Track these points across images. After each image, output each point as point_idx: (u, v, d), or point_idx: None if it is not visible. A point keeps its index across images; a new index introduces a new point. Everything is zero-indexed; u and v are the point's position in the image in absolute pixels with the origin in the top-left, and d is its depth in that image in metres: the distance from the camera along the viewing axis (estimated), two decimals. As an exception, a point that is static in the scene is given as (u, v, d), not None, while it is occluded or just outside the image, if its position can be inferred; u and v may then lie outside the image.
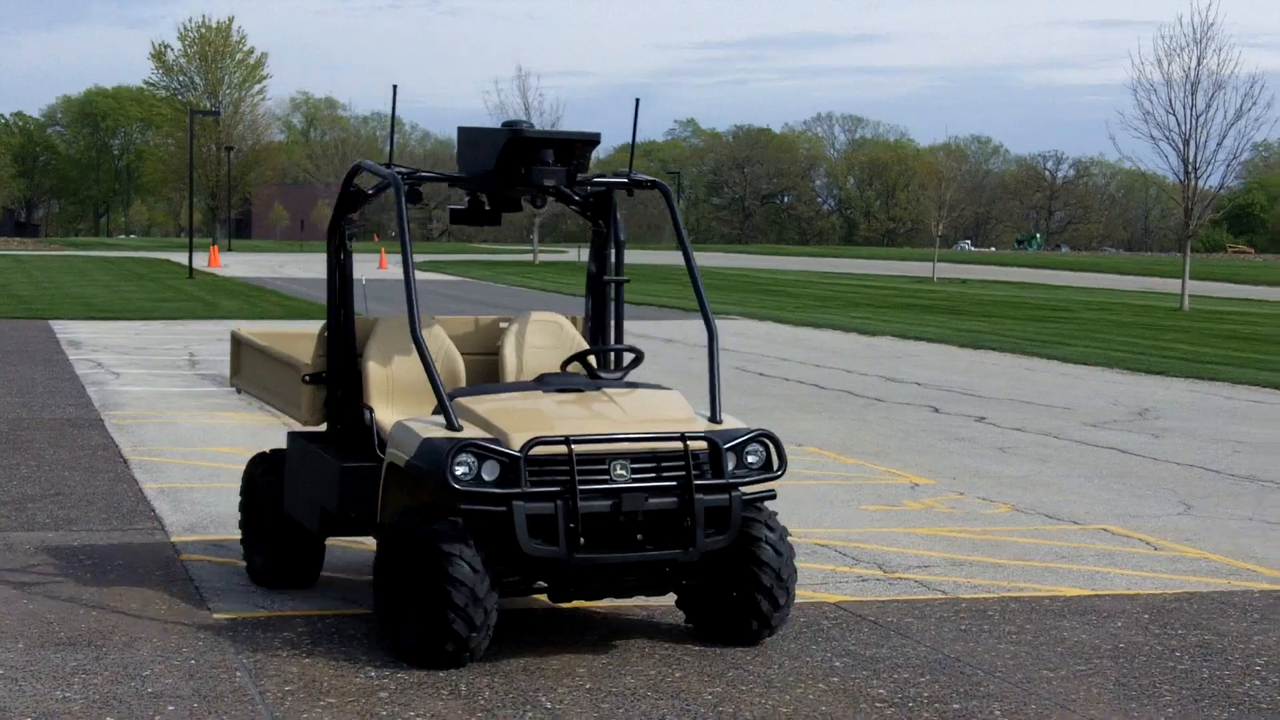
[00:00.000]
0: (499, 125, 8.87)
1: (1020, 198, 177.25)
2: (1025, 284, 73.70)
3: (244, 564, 10.14)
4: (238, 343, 10.93)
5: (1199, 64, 50.61)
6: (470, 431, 8.10)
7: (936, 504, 13.33)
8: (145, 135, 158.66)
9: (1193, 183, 51.54)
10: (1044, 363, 28.77)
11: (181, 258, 73.47)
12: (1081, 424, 19.01)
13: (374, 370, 9.22)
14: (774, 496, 8.75)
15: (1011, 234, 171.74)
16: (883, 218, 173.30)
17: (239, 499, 10.31)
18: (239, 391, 11.09)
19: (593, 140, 8.85)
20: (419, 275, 69.94)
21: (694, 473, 8.17)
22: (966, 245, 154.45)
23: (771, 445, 8.50)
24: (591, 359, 9.03)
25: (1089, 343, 33.64)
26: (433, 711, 7.39)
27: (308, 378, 9.41)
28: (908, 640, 8.87)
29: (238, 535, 10.53)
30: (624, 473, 8.09)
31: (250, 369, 10.69)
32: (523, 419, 8.20)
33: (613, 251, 9.70)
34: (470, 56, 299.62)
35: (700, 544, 8.17)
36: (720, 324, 38.26)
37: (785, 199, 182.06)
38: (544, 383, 8.77)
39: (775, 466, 8.49)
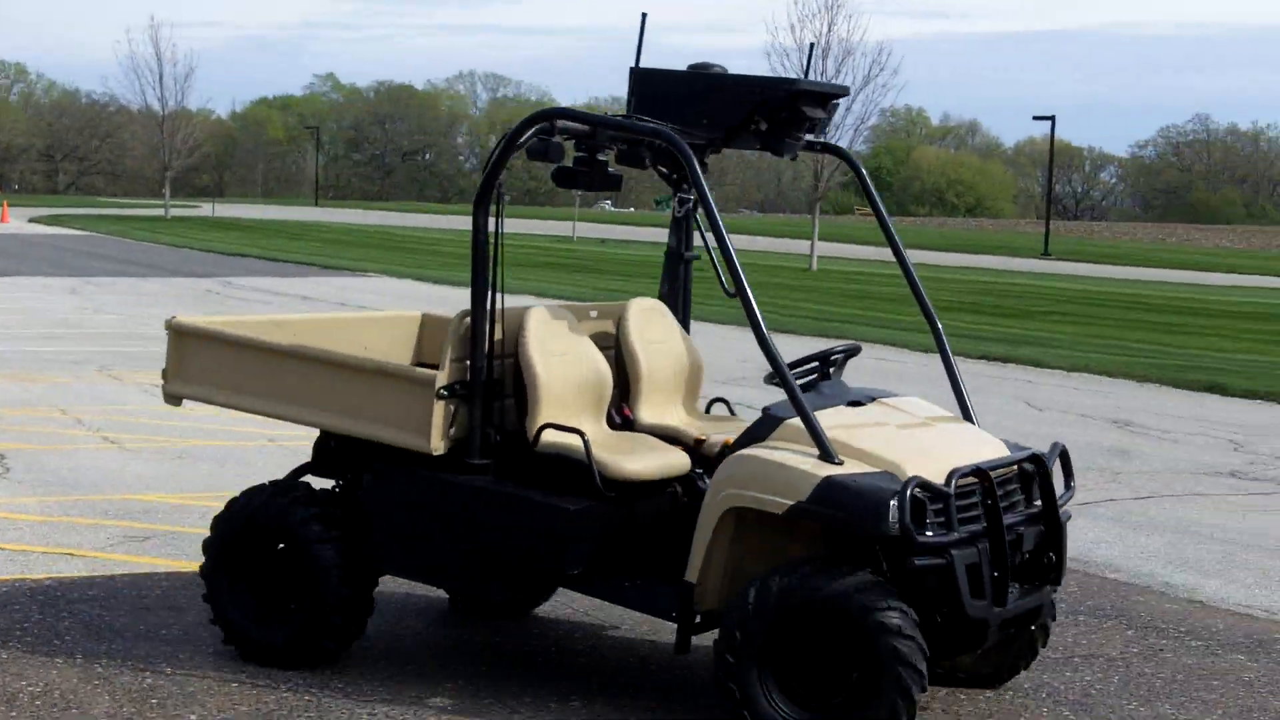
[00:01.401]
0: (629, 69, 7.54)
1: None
2: (658, 244, 74.83)
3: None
4: (198, 335, 8.03)
5: (830, 30, 52.31)
6: (854, 466, 6.63)
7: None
8: None
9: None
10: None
11: None
12: (714, 381, 19.42)
13: (542, 377, 7.43)
14: None
15: (650, 196, 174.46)
16: (524, 177, 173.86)
17: (211, 550, 7.81)
18: (179, 401, 8.19)
19: (843, 93, 7.89)
20: (39, 230, 66.74)
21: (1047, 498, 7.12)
22: (607, 205, 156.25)
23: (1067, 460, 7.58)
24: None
25: (719, 303, 34.39)
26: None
27: (445, 390, 7.26)
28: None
29: None
30: (1019, 505, 7.06)
31: (234, 372, 7.88)
32: (900, 447, 6.83)
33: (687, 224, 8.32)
34: (105, 4, 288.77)
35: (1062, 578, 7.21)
36: (357, 281, 38.10)
37: (427, 156, 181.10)
38: (819, 393, 7.23)
39: (1070, 484, 7.60)
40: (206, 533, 7.89)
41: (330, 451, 7.92)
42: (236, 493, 7.92)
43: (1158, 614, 9.20)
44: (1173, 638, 8.70)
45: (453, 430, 7.27)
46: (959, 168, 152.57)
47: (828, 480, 6.49)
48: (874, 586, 6.41)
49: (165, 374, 8.08)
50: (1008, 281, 51.40)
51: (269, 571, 7.68)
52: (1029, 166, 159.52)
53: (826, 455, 6.61)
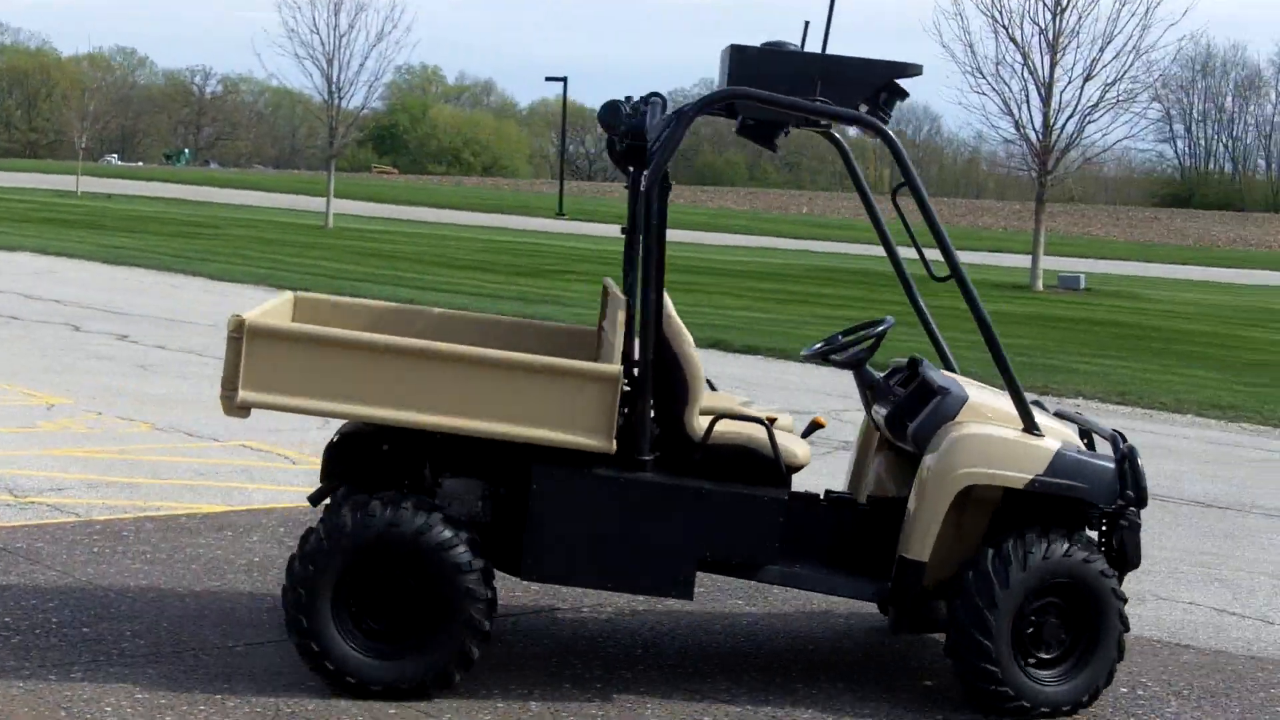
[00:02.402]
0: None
1: (169, 112, 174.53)
2: (174, 200, 72.79)
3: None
4: (288, 337, 6.88)
5: (343, -14, 51.69)
6: (1053, 437, 7.22)
7: (73, 424, 12.93)
8: None
9: (336, 103, 52.63)
10: (188, 280, 28.61)
11: None
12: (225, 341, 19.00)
13: (699, 366, 7.24)
14: None
15: (160, 149, 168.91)
16: (24, 128, 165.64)
17: (313, 575, 6.78)
18: (248, 412, 6.92)
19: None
20: None
21: None
22: (113, 159, 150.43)
23: None
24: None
25: (235, 260, 33.73)
26: None
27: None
28: (37, 566, 8.55)
29: None
30: None
31: (334, 375, 6.78)
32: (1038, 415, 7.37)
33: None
34: None
35: None
36: None
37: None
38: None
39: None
40: None
41: (381, 458, 7.20)
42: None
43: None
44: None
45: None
46: (475, 127, 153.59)
47: (1060, 453, 7.03)
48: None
49: (232, 381, 6.80)
50: (522, 241, 52.14)
51: (386, 597, 6.86)
52: (543, 127, 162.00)
53: (1032, 429, 7.10)
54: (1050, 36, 40.26)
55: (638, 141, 7.25)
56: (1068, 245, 68.27)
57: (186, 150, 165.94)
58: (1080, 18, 40.25)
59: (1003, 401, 7.31)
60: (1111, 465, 7.14)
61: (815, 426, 7.45)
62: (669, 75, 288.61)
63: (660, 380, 7.11)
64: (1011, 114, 40.87)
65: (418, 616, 6.81)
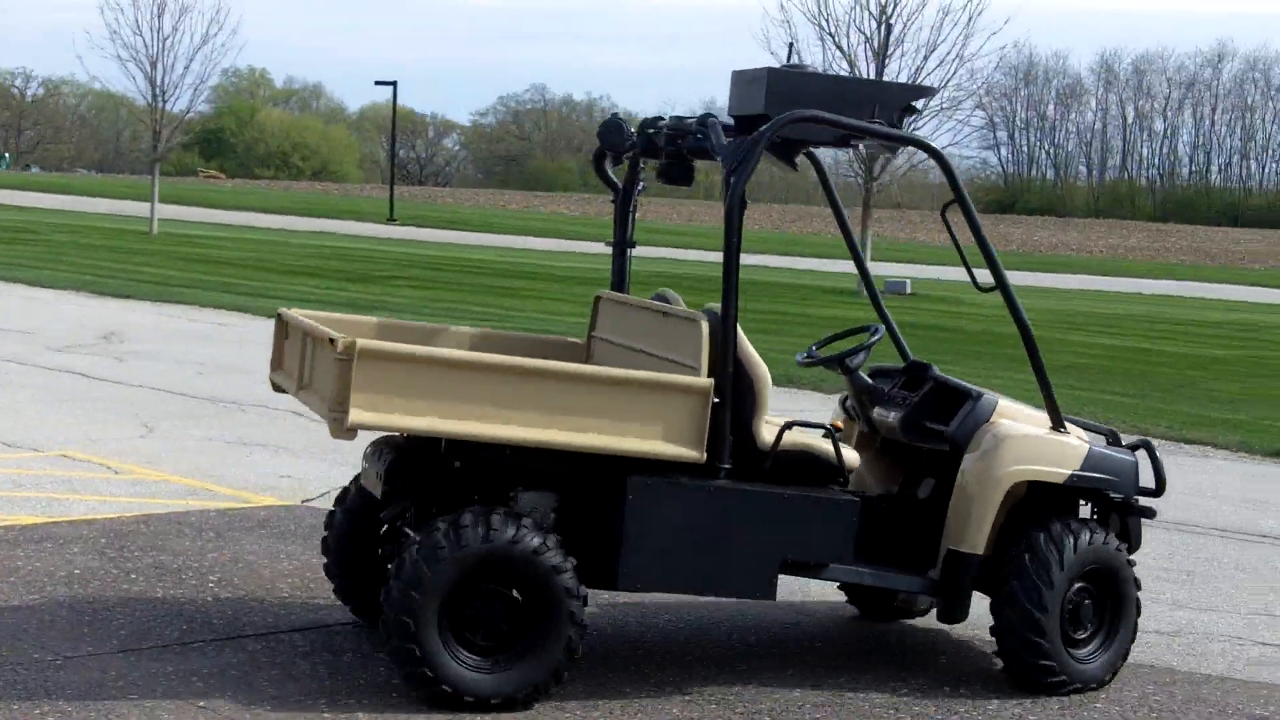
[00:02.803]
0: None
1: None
2: (-8, 204, 71.02)
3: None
4: (399, 358, 6.86)
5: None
6: (1076, 434, 8.11)
7: (-115, 436, 12.58)
8: None
9: (160, 106, 51.73)
10: (8, 286, 27.91)
11: None
12: (45, 348, 18.61)
13: (767, 376, 7.56)
14: None
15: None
16: None
17: (422, 594, 6.85)
18: (354, 432, 6.90)
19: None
20: None
21: None
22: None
23: None
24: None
25: (57, 266, 33.00)
26: None
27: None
28: None
29: None
30: None
31: (438, 394, 6.85)
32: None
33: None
34: None
35: None
36: None
37: None
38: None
39: None
40: None
41: (449, 473, 7.26)
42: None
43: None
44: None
45: None
46: (304, 131, 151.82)
47: (1091, 450, 7.85)
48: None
49: (342, 403, 6.77)
50: (353, 246, 51.67)
51: (485, 611, 6.99)
52: (373, 132, 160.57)
53: (1060, 428, 7.93)
54: (876, 45, 40.87)
55: (684, 161, 7.89)
56: (894, 250, 69.23)
57: (6, 154, 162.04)
58: (905, 26, 40.95)
59: (1021, 404, 8.18)
60: (1133, 459, 8.00)
61: (833, 430, 7.73)
62: (500, 80, 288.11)
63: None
64: (838, 121, 41.36)
65: (521, 624, 6.99)
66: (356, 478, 8.20)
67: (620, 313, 8.44)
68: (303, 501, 11.11)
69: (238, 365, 18.26)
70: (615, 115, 8.22)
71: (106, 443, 12.82)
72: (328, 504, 10.85)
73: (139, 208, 65.26)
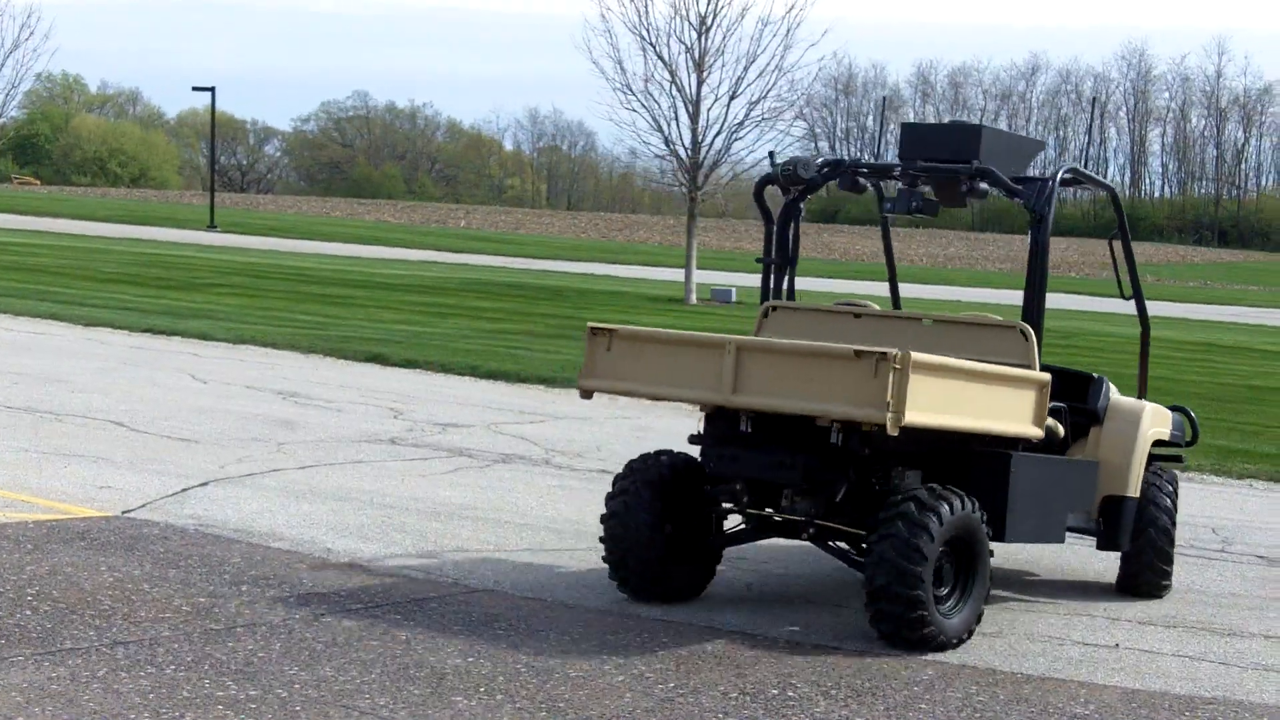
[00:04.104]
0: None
1: None
2: None
3: None
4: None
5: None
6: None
7: None
8: None
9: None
10: None
11: None
12: None
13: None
14: None
15: None
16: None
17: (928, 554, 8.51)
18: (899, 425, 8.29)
19: None
20: None
21: None
22: None
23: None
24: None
25: None
26: None
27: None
28: None
29: None
30: None
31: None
32: None
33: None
34: None
35: None
36: None
37: None
38: None
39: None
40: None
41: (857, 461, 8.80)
42: None
43: (319, 580, 9.38)
44: (334, 602, 8.89)
45: None
46: (121, 137, 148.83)
47: (1169, 413, 10.72)
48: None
49: (899, 406, 8.20)
50: (173, 254, 50.77)
51: (943, 567, 8.73)
52: (192, 138, 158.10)
53: (1144, 397, 10.71)
54: (696, 55, 41.13)
55: (944, 198, 9.99)
56: (720, 259, 69.81)
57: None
58: (725, 37, 41.24)
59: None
60: (1181, 417, 10.85)
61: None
62: (322, 86, 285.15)
63: None
64: (661, 130, 41.61)
65: (963, 575, 8.80)
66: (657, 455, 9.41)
67: (807, 319, 10.18)
68: (123, 512, 10.88)
69: (55, 375, 17.85)
70: (797, 156, 10.12)
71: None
72: (148, 515, 10.69)
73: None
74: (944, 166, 9.65)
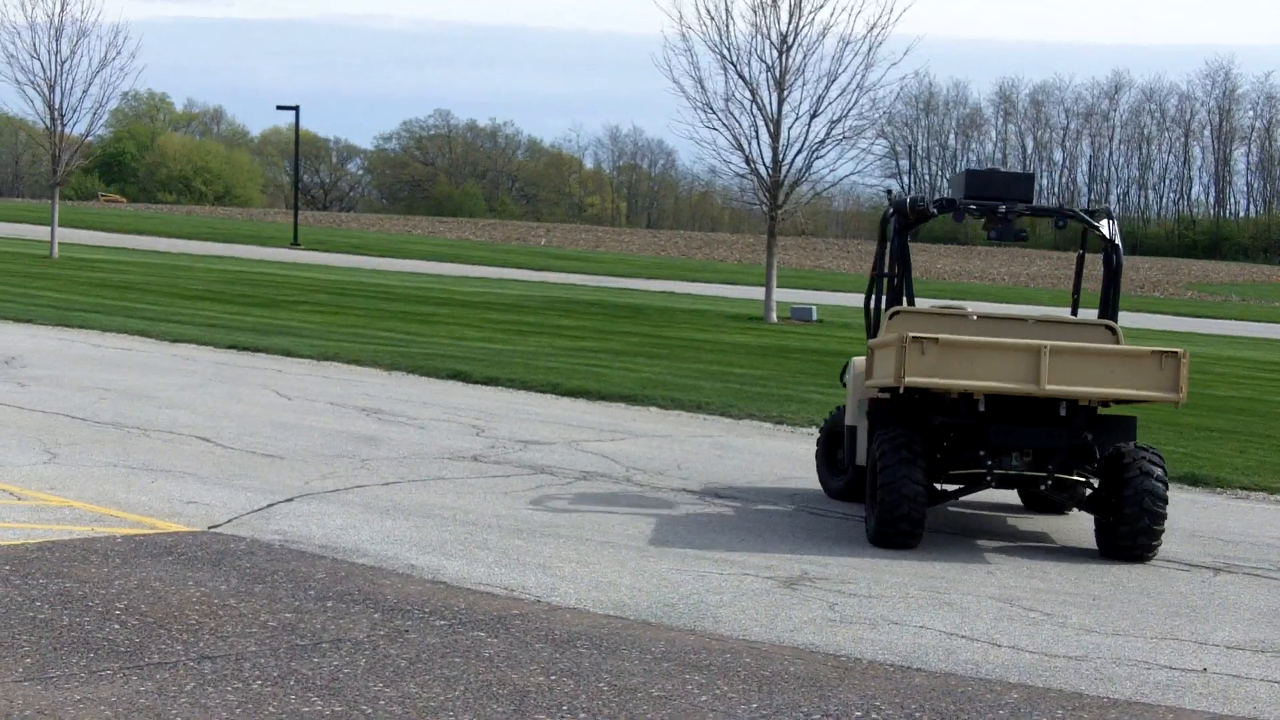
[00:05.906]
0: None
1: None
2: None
3: None
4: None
5: (63, 9, 50.51)
6: None
7: None
8: None
9: (59, 129, 51.24)
10: (-95, 310, 27.47)
11: None
12: None
13: None
14: None
15: None
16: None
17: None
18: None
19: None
20: None
21: None
22: None
23: None
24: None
25: None
26: None
27: None
28: None
29: None
30: None
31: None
32: None
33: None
34: None
35: None
36: None
37: None
38: None
39: None
40: None
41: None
42: None
43: (403, 596, 9.43)
44: (417, 618, 8.93)
45: None
46: (206, 155, 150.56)
47: None
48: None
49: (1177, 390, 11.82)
50: (258, 271, 51.27)
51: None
52: (276, 156, 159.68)
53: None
54: (777, 74, 41.08)
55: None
56: (800, 278, 69.72)
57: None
58: (806, 56, 41.16)
59: None
60: None
61: None
62: (404, 105, 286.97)
63: None
64: (742, 149, 41.54)
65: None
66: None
67: (925, 320, 12.84)
68: (209, 528, 10.98)
69: (142, 391, 18.05)
70: (918, 195, 11.91)
71: (9, 468, 12.63)
72: (234, 530, 10.80)
73: (39, 231, 64.43)
74: (1040, 209, 13.33)
